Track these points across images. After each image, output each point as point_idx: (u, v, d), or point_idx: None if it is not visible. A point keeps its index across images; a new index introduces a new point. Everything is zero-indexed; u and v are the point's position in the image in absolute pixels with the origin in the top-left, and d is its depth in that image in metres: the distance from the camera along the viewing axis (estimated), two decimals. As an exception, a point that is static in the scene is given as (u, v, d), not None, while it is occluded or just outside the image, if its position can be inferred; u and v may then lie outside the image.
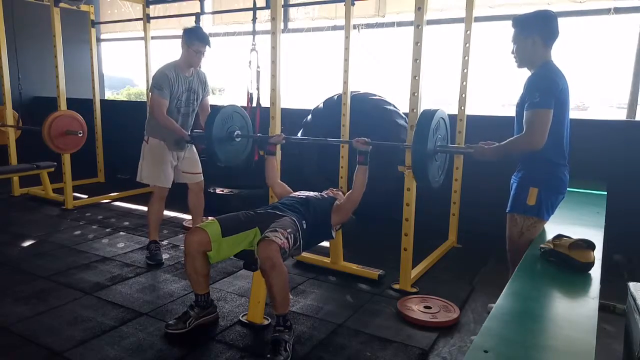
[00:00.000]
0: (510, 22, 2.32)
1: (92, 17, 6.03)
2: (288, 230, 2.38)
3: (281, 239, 2.28)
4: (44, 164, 5.39)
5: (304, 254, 2.94)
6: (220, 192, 5.00)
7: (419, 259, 3.44)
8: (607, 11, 4.11)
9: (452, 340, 2.51)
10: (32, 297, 2.88)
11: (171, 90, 3.36)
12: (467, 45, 3.72)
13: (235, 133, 3.31)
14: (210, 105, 3.65)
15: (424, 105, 2.97)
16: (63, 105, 4.98)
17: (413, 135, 2.45)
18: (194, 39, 3.34)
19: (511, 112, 2.37)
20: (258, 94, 3.84)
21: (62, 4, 4.91)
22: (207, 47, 3.40)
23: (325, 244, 3.28)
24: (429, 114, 2.50)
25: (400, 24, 5.22)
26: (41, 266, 3.38)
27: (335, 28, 5.51)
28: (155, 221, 3.59)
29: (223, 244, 2.43)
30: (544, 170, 2.23)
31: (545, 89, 2.12)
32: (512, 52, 2.31)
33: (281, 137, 3.12)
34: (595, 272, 1.68)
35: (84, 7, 5.61)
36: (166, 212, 3.70)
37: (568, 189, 2.33)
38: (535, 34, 2.21)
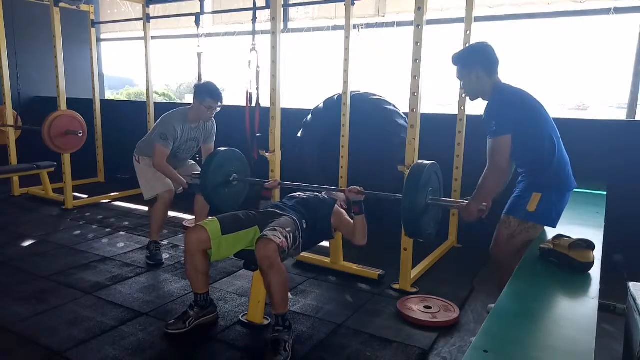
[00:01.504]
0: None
1: (92, 17, 6.03)
2: (287, 230, 2.38)
3: (280, 238, 2.28)
4: (44, 164, 5.40)
5: (304, 254, 2.94)
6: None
7: (419, 259, 3.44)
8: (607, 11, 4.10)
9: (452, 340, 2.51)
10: (32, 297, 2.88)
11: (174, 141, 3.39)
12: (467, 45, 3.72)
13: (232, 177, 3.18)
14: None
15: (424, 105, 2.97)
16: (63, 105, 4.98)
17: (404, 189, 2.38)
18: (207, 95, 3.33)
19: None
20: (258, 94, 3.84)
21: (62, 4, 4.91)
22: (219, 103, 3.38)
23: (325, 244, 3.28)
24: (421, 168, 2.40)
25: (400, 24, 5.21)
26: (41, 266, 3.38)
27: (335, 28, 5.51)
28: (158, 224, 3.59)
29: (223, 242, 2.43)
30: (546, 173, 2.23)
31: (499, 115, 2.17)
32: (461, 88, 2.37)
33: (276, 183, 3.08)
34: (595, 272, 1.68)
35: (84, 7, 5.61)
36: (166, 212, 3.70)
37: None
38: (476, 68, 2.26)
